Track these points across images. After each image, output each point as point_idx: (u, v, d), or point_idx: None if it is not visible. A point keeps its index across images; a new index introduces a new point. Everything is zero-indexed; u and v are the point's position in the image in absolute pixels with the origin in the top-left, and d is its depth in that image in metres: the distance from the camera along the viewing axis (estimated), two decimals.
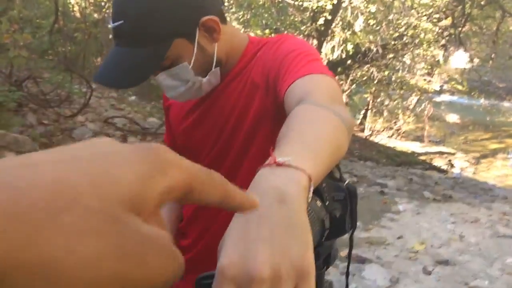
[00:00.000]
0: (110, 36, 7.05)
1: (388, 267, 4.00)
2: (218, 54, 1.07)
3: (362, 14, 10.58)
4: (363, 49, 11.27)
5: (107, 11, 8.74)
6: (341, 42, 11.57)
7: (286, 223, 0.45)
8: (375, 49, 10.89)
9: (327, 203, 0.68)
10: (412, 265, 4.14)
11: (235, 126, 1.11)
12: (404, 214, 5.90)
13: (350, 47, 11.36)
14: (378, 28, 11.19)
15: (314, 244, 0.65)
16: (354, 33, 10.87)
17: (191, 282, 1.05)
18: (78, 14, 8.95)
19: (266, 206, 0.46)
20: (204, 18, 1.02)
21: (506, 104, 21.99)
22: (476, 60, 14.92)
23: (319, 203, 0.67)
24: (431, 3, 10.83)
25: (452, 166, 13.33)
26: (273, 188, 0.48)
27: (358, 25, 10.59)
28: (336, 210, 0.71)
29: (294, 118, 0.69)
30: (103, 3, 9.05)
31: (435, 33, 11.25)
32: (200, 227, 1.25)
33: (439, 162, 13.46)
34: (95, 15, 8.94)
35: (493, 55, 14.41)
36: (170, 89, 1.08)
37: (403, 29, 11.04)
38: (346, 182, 0.74)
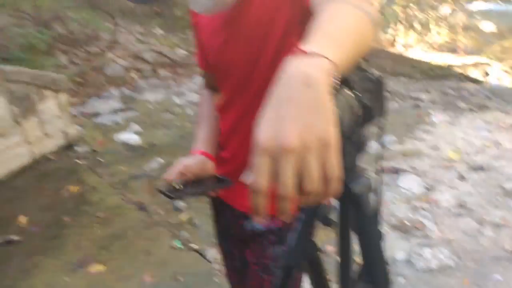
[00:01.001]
0: None
1: (423, 176, 4.06)
2: None
3: None
4: None
5: None
6: None
7: (311, 103, 0.52)
8: None
9: (356, 92, 0.74)
10: (447, 173, 4.19)
11: (264, 38, 1.13)
12: (439, 125, 5.89)
13: None
14: None
15: (346, 130, 0.72)
16: None
17: (236, 189, 1.15)
18: None
19: (294, 89, 0.53)
20: None
21: None
22: None
23: (348, 91, 0.73)
24: None
25: (487, 75, 12.99)
26: (300, 73, 0.54)
27: None
28: (365, 98, 0.77)
29: (319, 15, 0.73)
30: None
31: None
32: (239, 139, 1.30)
33: (474, 73, 13.11)
34: None
35: None
36: (195, 2, 1.11)
37: None
38: (374, 73, 0.79)
